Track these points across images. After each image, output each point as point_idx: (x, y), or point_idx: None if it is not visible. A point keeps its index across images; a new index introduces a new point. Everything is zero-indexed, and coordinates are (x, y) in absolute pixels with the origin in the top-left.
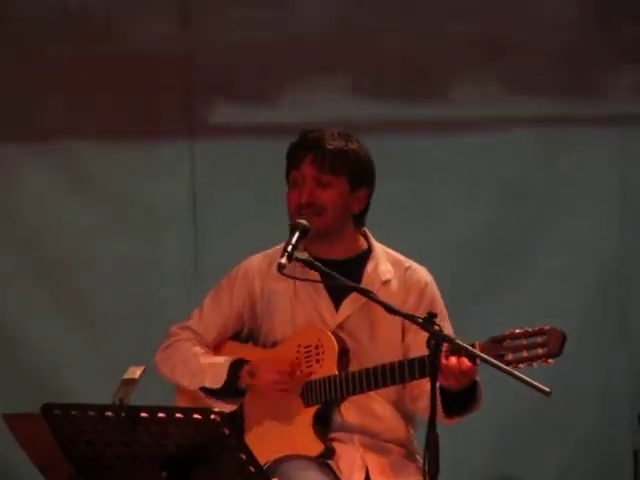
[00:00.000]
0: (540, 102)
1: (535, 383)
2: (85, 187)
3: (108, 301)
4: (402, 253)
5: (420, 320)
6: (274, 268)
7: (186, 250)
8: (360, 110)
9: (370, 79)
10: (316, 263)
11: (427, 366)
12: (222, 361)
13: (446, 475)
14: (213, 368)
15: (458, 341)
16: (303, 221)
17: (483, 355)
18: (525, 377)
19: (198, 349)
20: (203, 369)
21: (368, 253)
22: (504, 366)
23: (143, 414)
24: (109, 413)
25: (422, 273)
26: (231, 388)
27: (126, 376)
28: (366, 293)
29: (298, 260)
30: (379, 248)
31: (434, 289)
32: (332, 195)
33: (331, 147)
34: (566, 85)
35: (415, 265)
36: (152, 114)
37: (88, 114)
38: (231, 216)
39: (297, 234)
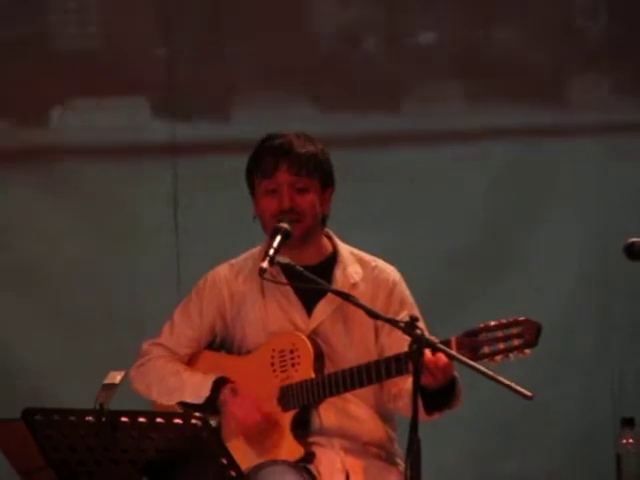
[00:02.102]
0: (520, 111)
1: (517, 387)
2: (65, 195)
3: (90, 308)
4: (387, 260)
5: (402, 325)
6: (242, 277)
7: (168, 257)
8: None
9: (356, 92)
10: (298, 267)
11: (404, 363)
12: (204, 377)
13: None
14: (194, 383)
15: (440, 345)
16: (285, 225)
17: (466, 360)
18: (507, 381)
19: (173, 365)
20: (182, 385)
21: (335, 256)
22: (487, 370)
23: (124, 419)
24: (90, 418)
25: (389, 272)
26: (211, 404)
27: (106, 381)
28: (348, 298)
29: (279, 264)
30: (345, 249)
31: (403, 287)
32: (310, 199)
33: (304, 151)
34: (545, 94)
35: (382, 264)
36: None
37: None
38: (213, 223)
39: (279, 238)
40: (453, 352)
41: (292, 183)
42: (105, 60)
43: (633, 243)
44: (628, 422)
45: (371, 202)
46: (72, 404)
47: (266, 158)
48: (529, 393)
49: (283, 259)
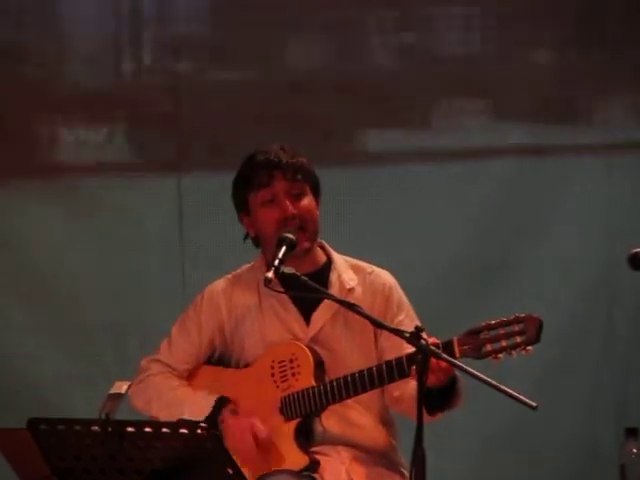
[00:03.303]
0: (524, 128)
1: (521, 397)
2: (70, 204)
3: (94, 319)
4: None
5: (407, 335)
6: (239, 290)
7: (173, 268)
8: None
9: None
10: (303, 278)
11: (406, 367)
12: (205, 395)
13: None
14: (194, 401)
15: (445, 356)
16: (291, 235)
17: (471, 370)
18: (511, 391)
19: (172, 381)
20: (181, 401)
21: (329, 264)
22: (491, 380)
23: (130, 429)
24: (95, 428)
25: (385, 277)
26: (210, 422)
27: (112, 391)
28: (352, 307)
29: (284, 275)
30: (339, 258)
31: (399, 291)
32: (308, 203)
33: (294, 160)
34: (550, 112)
35: (377, 269)
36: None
37: None
38: (218, 234)
39: (284, 248)
40: (458, 362)
41: (288, 190)
42: None
43: (637, 253)
44: (632, 432)
45: (374, 216)
46: (75, 414)
47: (259, 172)
48: (534, 403)
49: (288, 269)
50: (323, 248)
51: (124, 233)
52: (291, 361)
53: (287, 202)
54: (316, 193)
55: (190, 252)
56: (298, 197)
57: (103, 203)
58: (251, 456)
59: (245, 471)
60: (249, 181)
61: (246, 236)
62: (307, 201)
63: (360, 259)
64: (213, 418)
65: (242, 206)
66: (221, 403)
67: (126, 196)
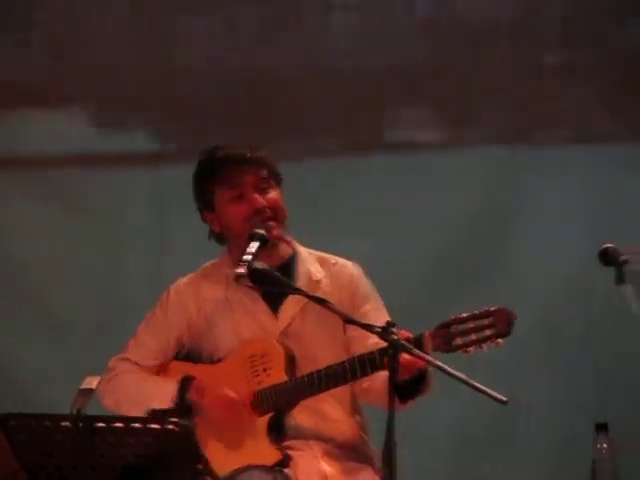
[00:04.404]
0: (508, 121)
1: (491, 392)
2: (55, 201)
3: (74, 310)
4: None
5: (378, 329)
6: (205, 287)
7: (152, 260)
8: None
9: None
10: (275, 273)
11: (378, 361)
12: (169, 381)
13: None
14: (160, 389)
15: (416, 351)
16: (261, 231)
17: (442, 365)
18: (482, 387)
19: (139, 375)
20: (149, 393)
21: (294, 256)
22: (461, 375)
23: (100, 424)
24: (66, 423)
25: (350, 267)
26: (180, 406)
27: (83, 386)
28: (323, 302)
29: (257, 270)
30: (304, 250)
31: (365, 281)
32: (276, 195)
33: (258, 154)
34: (532, 103)
35: (341, 260)
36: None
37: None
38: (198, 229)
39: (257, 244)
40: (429, 357)
41: (256, 184)
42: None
43: (607, 249)
44: (602, 427)
45: (356, 209)
46: (58, 407)
47: (226, 168)
48: (504, 398)
49: (261, 265)
50: (288, 242)
51: (105, 227)
52: (262, 356)
53: (256, 195)
54: (279, 186)
55: (170, 246)
56: (265, 190)
57: (86, 196)
58: (234, 418)
59: (216, 465)
60: (214, 178)
61: (210, 234)
62: (274, 194)
63: (338, 254)
64: (181, 401)
65: (206, 203)
66: (185, 384)
67: (108, 189)
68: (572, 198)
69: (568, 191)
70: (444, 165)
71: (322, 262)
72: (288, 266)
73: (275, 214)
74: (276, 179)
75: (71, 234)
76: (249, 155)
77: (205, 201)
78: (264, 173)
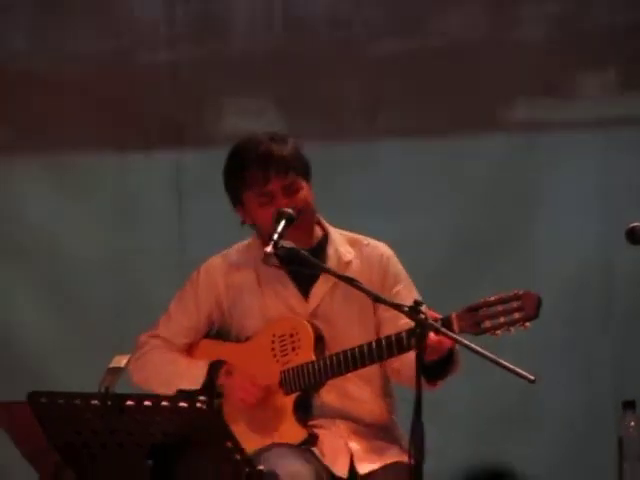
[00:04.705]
0: (517, 105)
1: (520, 371)
2: (68, 178)
3: (92, 292)
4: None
5: (406, 309)
6: (236, 267)
7: (170, 240)
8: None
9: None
10: (303, 252)
11: (405, 342)
12: (199, 363)
13: (430, 462)
14: (190, 370)
15: (444, 330)
16: (289, 210)
17: (469, 344)
18: (509, 365)
19: (170, 355)
20: (179, 373)
21: (326, 238)
22: (489, 354)
23: (129, 402)
24: (95, 401)
25: (382, 248)
26: (209, 389)
27: (112, 365)
28: (352, 282)
29: (284, 249)
30: (335, 232)
31: (396, 262)
32: (304, 195)
33: (285, 153)
34: (542, 88)
35: (373, 241)
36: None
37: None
38: (216, 208)
39: (283, 222)
40: (456, 336)
41: (284, 186)
42: None
43: (634, 228)
44: (629, 405)
45: (376, 191)
46: (73, 387)
47: (252, 170)
48: (532, 376)
49: (288, 244)
50: (319, 223)
51: (121, 205)
52: (291, 335)
53: (284, 200)
54: (308, 178)
55: (188, 227)
56: (294, 191)
57: (103, 180)
58: (258, 403)
59: (244, 443)
60: (243, 180)
61: (243, 222)
62: (303, 194)
63: (360, 233)
64: (211, 383)
65: (236, 200)
66: (215, 368)
67: (124, 172)
68: (589, 181)
69: (585, 174)
70: (461, 149)
71: (353, 243)
72: (319, 247)
73: (302, 216)
74: (304, 174)
75: (91, 218)
76: (276, 155)
77: (235, 199)
78: (291, 175)
